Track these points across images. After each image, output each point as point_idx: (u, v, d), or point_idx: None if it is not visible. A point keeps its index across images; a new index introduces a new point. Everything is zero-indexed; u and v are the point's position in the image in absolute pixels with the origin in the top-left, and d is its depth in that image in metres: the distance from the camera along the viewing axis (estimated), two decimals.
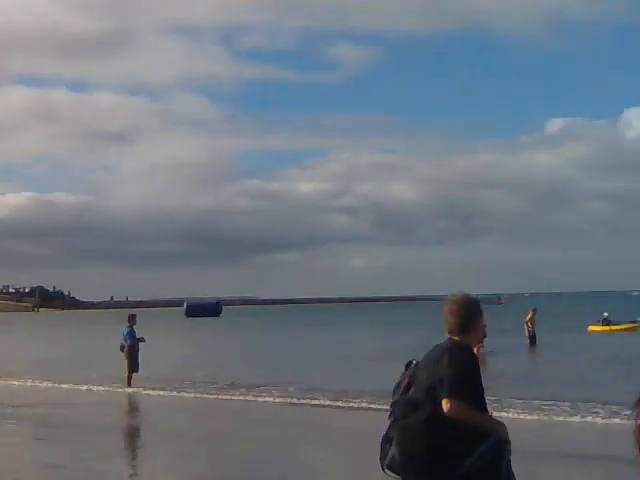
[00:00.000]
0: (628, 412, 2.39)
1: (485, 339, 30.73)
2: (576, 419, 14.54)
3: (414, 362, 4.79)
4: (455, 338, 4.66)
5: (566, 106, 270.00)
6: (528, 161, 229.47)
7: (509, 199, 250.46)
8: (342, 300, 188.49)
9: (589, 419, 14.42)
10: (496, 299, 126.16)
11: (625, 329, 40.94)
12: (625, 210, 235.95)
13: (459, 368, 4.49)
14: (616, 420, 13.54)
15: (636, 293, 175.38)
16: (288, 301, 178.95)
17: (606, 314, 43.34)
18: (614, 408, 14.59)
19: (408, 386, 4.69)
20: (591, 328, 42.52)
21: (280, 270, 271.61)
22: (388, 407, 4.82)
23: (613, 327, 41.65)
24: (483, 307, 4.83)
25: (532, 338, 32.84)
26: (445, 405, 4.43)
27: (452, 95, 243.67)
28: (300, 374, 23.42)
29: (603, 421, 14.09)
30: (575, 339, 37.13)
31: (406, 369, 4.79)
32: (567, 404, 16.00)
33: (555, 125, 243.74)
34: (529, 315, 33.47)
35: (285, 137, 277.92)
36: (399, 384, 4.75)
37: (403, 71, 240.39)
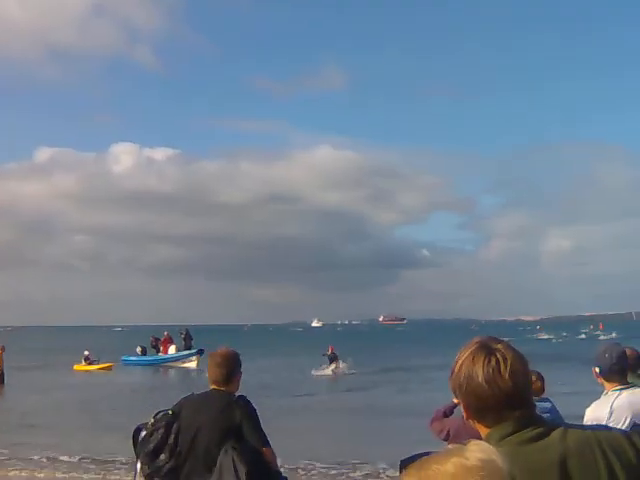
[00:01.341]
0: None
1: None
2: None
3: (169, 412, 4.87)
4: (220, 388, 4.96)
5: (56, 136, 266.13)
6: (15, 189, 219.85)
7: None
8: None
9: None
10: None
11: (103, 368, 41.45)
12: (110, 244, 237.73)
13: (256, 418, 4.85)
14: None
15: (118, 329, 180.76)
16: None
17: (87, 352, 42.94)
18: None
19: (167, 435, 4.77)
20: (77, 367, 41.93)
21: None
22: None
23: (94, 366, 41.58)
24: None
25: (0, 377, 31.11)
26: (268, 453, 4.81)
27: None
28: None
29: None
30: (52, 378, 35.53)
31: (155, 418, 4.85)
32: None
33: (44, 154, 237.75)
34: None
35: None
36: (151, 433, 4.78)
37: None
